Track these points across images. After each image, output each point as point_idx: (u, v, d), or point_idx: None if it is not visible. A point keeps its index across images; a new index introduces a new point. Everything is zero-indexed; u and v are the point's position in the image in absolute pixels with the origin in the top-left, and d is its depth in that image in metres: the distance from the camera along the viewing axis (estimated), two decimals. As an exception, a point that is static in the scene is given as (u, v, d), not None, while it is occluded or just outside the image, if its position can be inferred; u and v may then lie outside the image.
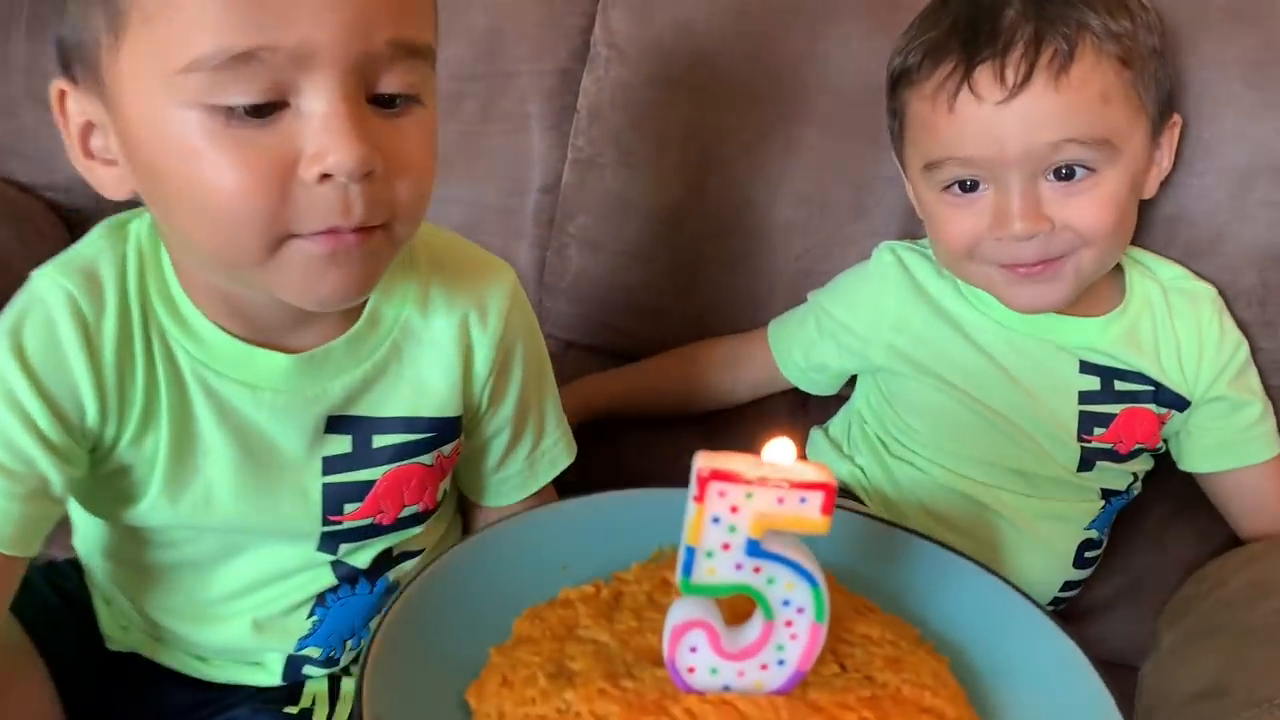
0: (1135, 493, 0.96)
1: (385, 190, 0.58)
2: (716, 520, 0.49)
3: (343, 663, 0.76)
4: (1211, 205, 0.94)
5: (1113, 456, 0.92)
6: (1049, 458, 0.91)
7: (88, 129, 0.61)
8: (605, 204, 1.10)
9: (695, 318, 1.10)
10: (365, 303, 0.68)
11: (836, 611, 0.58)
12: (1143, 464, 0.95)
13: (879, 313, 0.96)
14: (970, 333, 0.93)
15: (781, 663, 0.54)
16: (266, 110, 0.55)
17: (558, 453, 0.80)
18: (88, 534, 0.74)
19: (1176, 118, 0.89)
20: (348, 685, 0.75)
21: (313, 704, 0.74)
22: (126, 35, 0.55)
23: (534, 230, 1.13)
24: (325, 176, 0.55)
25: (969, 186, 0.85)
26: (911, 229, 1.02)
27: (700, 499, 0.49)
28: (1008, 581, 0.68)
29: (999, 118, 0.81)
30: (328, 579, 0.72)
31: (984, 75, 0.81)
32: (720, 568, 0.50)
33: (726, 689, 0.54)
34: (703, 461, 0.49)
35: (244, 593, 0.71)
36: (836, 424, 1.04)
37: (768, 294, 1.07)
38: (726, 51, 1.04)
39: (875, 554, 0.68)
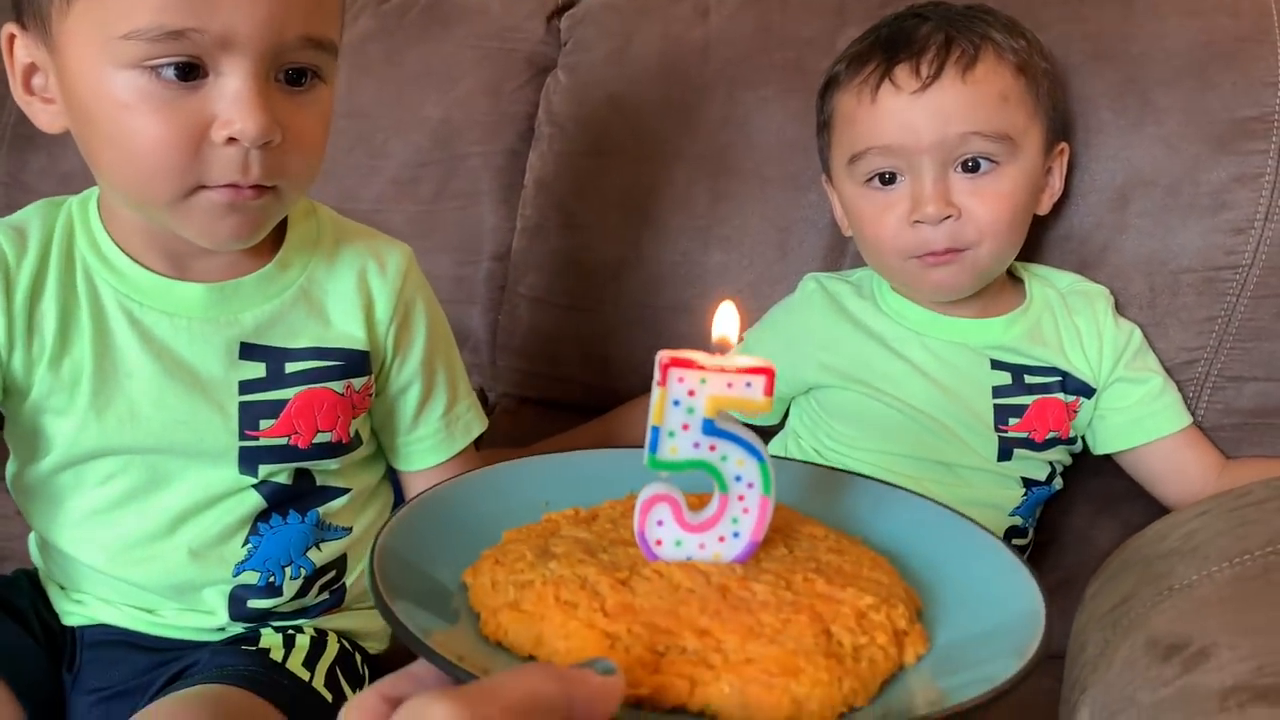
0: (1056, 487, 1.02)
1: (280, 158, 0.69)
2: (676, 403, 0.56)
3: (286, 594, 0.80)
4: (1096, 221, 1.04)
5: (1029, 445, 0.98)
6: (970, 449, 0.98)
7: (31, 69, 0.71)
8: (553, 264, 1.19)
9: (640, 363, 1.17)
10: (276, 248, 0.78)
11: (785, 519, 0.64)
12: (1059, 455, 1.01)
13: (808, 335, 1.04)
14: (891, 343, 1.01)
15: (736, 535, 0.59)
16: (190, 75, 0.66)
17: (471, 419, 0.88)
18: (38, 507, 0.79)
19: (1064, 145, 1.01)
20: (302, 640, 0.78)
21: (270, 649, 0.76)
22: (77, 2, 0.66)
23: (486, 295, 1.22)
24: (231, 140, 0.66)
25: (888, 179, 0.95)
26: (831, 263, 1.11)
27: (663, 383, 0.56)
28: (942, 504, 0.72)
29: (915, 107, 0.92)
30: (254, 501, 0.78)
31: (902, 71, 0.94)
32: (681, 446, 0.57)
33: (689, 559, 0.59)
34: (664, 352, 0.57)
35: (178, 522, 0.77)
36: (774, 445, 1.10)
37: (706, 335, 1.14)
38: (656, 119, 1.16)
39: (818, 492, 0.73)
